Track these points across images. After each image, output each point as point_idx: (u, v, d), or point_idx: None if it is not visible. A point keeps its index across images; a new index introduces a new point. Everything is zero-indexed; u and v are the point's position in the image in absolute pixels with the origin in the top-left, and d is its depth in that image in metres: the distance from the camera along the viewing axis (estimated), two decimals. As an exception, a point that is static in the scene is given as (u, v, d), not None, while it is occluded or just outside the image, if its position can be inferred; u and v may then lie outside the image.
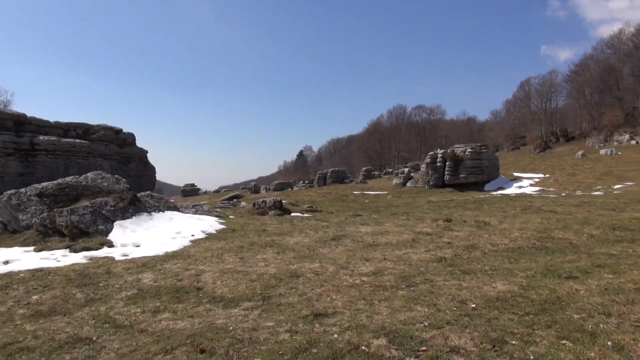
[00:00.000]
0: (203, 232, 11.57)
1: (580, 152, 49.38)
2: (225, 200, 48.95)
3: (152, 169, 52.57)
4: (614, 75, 70.69)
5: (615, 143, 56.39)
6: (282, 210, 16.14)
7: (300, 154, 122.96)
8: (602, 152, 47.47)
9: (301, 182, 67.96)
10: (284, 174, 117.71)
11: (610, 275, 6.26)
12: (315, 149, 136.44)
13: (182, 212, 13.96)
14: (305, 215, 16.35)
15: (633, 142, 53.22)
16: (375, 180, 54.05)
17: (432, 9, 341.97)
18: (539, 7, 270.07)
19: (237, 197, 50.84)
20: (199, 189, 66.80)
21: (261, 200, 16.71)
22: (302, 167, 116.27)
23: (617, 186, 32.46)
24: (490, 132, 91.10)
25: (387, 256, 8.56)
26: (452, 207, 25.20)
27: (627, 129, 60.83)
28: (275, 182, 58.53)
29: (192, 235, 11.16)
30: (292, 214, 16.10)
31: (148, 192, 14.83)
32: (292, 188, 56.87)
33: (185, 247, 10.06)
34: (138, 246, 9.94)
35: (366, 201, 38.88)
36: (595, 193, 29.54)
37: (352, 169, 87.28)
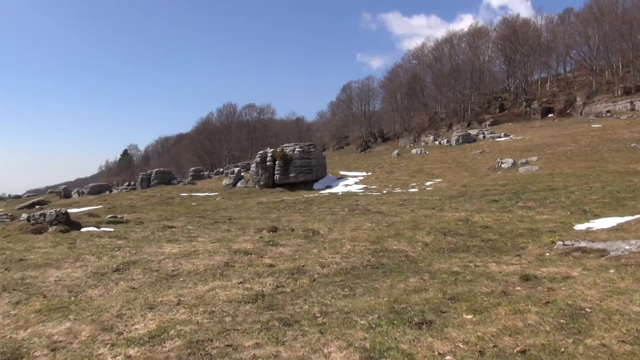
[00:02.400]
0: None
1: (395, 152, 52.64)
2: (23, 207, 40.58)
3: None
4: (419, 83, 78.06)
5: (423, 143, 61.79)
6: (68, 224, 12.32)
7: (125, 153, 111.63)
8: (414, 151, 51.22)
9: (126, 183, 60.71)
10: (107, 175, 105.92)
11: (474, 318, 4.61)
12: (142, 147, 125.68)
13: None
14: (101, 229, 12.78)
15: (436, 142, 58.75)
16: (205, 180, 50.49)
17: (245, 13, 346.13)
18: (353, 19, 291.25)
19: (40, 203, 42.63)
20: (-8, 195, 55.09)
21: (39, 213, 12.60)
22: (127, 167, 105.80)
23: (428, 183, 34.60)
24: (317, 132, 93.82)
25: (183, 297, 5.94)
26: (282, 209, 23.54)
27: (431, 131, 67.34)
28: (90, 184, 50.94)
29: None
30: (83, 229, 12.41)
31: None
32: (110, 191, 50.09)
33: None
34: None
35: (193, 204, 35.37)
36: (412, 190, 30.83)
37: (182, 169, 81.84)
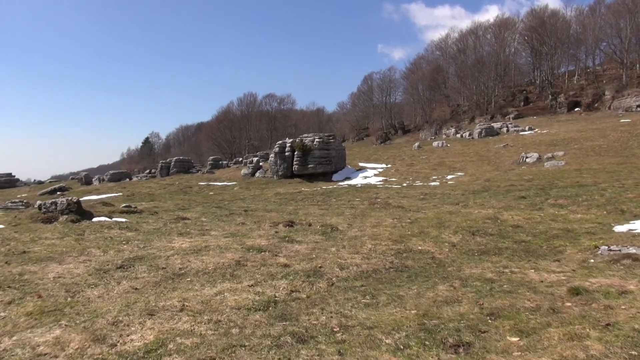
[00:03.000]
0: None
1: (416, 144, 51.52)
2: (44, 193, 40.87)
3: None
4: (442, 75, 76.36)
5: (444, 136, 60.45)
6: (79, 214, 11.89)
7: (146, 141, 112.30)
8: (435, 144, 50.03)
9: (147, 171, 60.90)
10: (128, 162, 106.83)
11: (520, 342, 3.89)
12: (163, 135, 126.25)
13: None
14: (113, 219, 12.33)
15: (458, 135, 57.35)
16: (223, 170, 50.25)
17: (266, 4, 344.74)
18: (375, 9, 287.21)
19: (61, 189, 42.95)
20: (17, 180, 55.83)
21: (50, 201, 12.18)
22: (148, 155, 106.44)
23: (449, 176, 33.59)
24: (337, 123, 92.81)
25: (188, 302, 5.33)
26: (300, 201, 22.95)
27: (453, 124, 65.85)
28: (111, 172, 51.15)
29: None
30: (95, 219, 11.97)
31: None
32: (130, 179, 50.23)
33: None
34: None
35: (211, 193, 35.08)
36: (433, 184, 29.91)
37: (202, 158, 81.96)
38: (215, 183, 42.43)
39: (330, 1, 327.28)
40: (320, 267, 6.93)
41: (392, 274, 6.63)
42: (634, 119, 47.64)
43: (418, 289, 5.75)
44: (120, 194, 38.59)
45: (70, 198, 12.27)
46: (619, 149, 35.69)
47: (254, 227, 11.30)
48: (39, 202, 12.73)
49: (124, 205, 15.69)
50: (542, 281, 5.74)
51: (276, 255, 7.74)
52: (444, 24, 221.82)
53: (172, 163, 50.40)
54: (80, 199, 36.46)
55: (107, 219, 12.45)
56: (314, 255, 7.68)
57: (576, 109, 60.08)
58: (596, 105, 59.54)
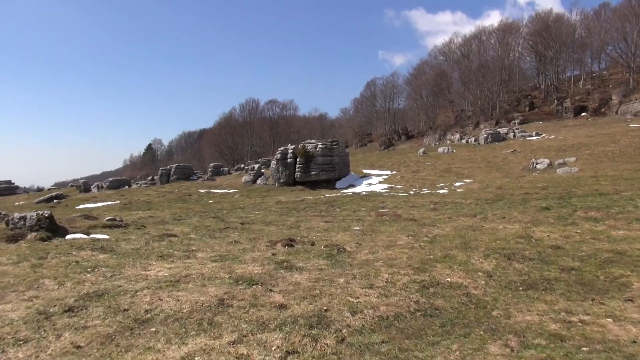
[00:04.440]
0: None
1: (421, 150, 49.90)
2: (41, 201, 39.37)
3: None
4: (445, 80, 74.84)
5: (448, 142, 58.80)
6: (51, 230, 10.29)
7: (149, 148, 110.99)
8: (440, 150, 48.39)
9: (149, 178, 59.39)
10: (131, 169, 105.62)
11: None
12: (166, 142, 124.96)
13: None
14: (91, 236, 10.76)
15: (463, 141, 55.69)
16: (224, 176, 48.71)
17: (268, 10, 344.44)
18: (376, 16, 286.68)
19: (59, 197, 41.50)
20: (16, 187, 54.43)
21: (19, 216, 10.60)
22: (150, 161, 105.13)
23: (457, 184, 31.94)
24: (340, 129, 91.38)
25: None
26: (302, 210, 21.35)
27: (457, 129, 64.22)
28: (110, 179, 49.63)
29: None
30: (69, 236, 10.39)
31: None
32: (129, 186, 48.73)
33: None
34: None
35: (210, 201, 33.51)
36: (441, 191, 28.25)
37: (204, 164, 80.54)
38: (216, 190, 40.86)
39: (332, 8, 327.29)
40: (326, 309, 5.29)
41: (420, 320, 4.99)
42: (644, 124, 45.93)
43: (460, 350, 4.12)
44: (118, 202, 37.03)
45: (41, 212, 10.67)
46: (632, 154, 33.94)
47: (249, 246, 9.68)
48: (7, 218, 11.11)
49: (109, 218, 14.09)
50: (634, 341, 4.11)
51: (270, 290, 6.11)
52: (445, 29, 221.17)
53: (172, 170, 48.93)
54: (77, 207, 34.70)
55: (83, 235, 10.84)
56: (318, 291, 6.05)
57: (583, 114, 58.37)
58: (603, 110, 57.83)
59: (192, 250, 9.26)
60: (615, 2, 68.78)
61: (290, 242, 9.80)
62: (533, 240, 9.01)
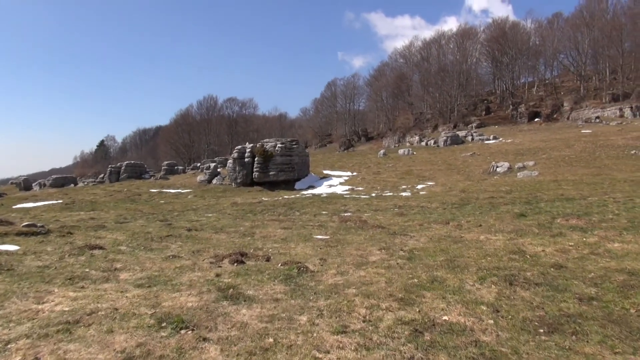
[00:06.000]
0: None
1: (382, 151, 48.91)
2: (-28, 201, 35.38)
3: None
4: (405, 83, 74.55)
5: (408, 144, 58.22)
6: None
7: (101, 144, 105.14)
8: (401, 151, 47.55)
9: (98, 176, 55.42)
10: (81, 166, 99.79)
11: None
12: (120, 139, 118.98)
13: None
14: (-7, 248, 8.54)
15: (423, 143, 55.24)
16: (179, 175, 45.95)
17: (227, 4, 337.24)
18: (336, 17, 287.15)
19: (-7, 195, 37.54)
20: (-53, 185, 49.37)
21: None
22: (103, 159, 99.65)
23: (420, 186, 30.90)
24: (300, 129, 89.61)
25: None
26: (259, 214, 19.48)
27: (417, 132, 63.87)
28: (54, 176, 45.75)
29: None
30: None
31: None
32: (75, 184, 45.12)
33: None
34: None
35: (161, 202, 30.98)
36: (404, 194, 27.03)
37: (159, 163, 76.79)
38: (169, 190, 38.21)
39: (293, 7, 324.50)
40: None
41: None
42: (594, 130, 46.76)
43: None
44: (60, 201, 33.80)
45: None
46: (588, 159, 34.05)
47: (189, 263, 7.77)
48: None
49: (27, 223, 11.74)
50: None
51: (204, 339, 4.27)
52: (404, 33, 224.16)
53: (123, 168, 45.72)
54: (14, 207, 31.10)
55: (-18, 248, 8.58)
56: (272, 340, 4.27)
57: (536, 119, 59.27)
58: (555, 116, 58.94)
59: (115, 269, 7.26)
60: (567, 12, 70.60)
61: (240, 257, 7.96)
62: (528, 257, 7.58)
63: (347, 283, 6.22)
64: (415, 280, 6.23)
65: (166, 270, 7.24)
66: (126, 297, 5.68)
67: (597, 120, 51.68)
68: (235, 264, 7.58)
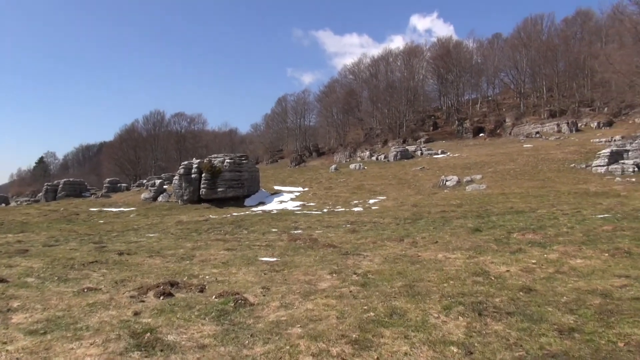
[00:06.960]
0: None
1: (333, 166, 48.38)
2: None
3: None
4: (355, 98, 75.07)
5: (359, 159, 58.19)
6: None
7: (40, 161, 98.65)
8: (352, 166, 47.22)
9: (38, 194, 51.31)
10: (18, 184, 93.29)
11: None
12: (61, 155, 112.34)
13: None
14: None
15: (373, 158, 55.29)
16: (122, 193, 43.29)
17: (173, 16, 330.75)
18: (285, 34, 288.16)
19: None
20: None
21: None
22: (42, 176, 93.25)
23: (371, 200, 30.38)
24: (250, 145, 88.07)
25: None
26: (204, 233, 18.13)
27: (367, 147, 64.09)
28: (-20, 196, 41.95)
29: None
30: None
31: None
32: (7, 204, 41.51)
33: None
34: None
35: (100, 222, 28.69)
36: (356, 209, 26.35)
37: (102, 180, 72.83)
38: (110, 209, 35.69)
39: (242, 21, 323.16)
40: None
41: None
42: (535, 144, 48.49)
43: None
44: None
45: None
46: (532, 172, 34.89)
47: (105, 297, 6.47)
48: None
49: None
50: None
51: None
52: (352, 51, 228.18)
53: (61, 186, 42.53)
54: None
55: None
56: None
57: (481, 135, 60.99)
58: (498, 131, 60.86)
59: (9, 310, 5.86)
60: (506, 33, 73.85)
61: (169, 289, 6.74)
62: (493, 279, 6.84)
63: (291, 320, 5.18)
64: (372, 313, 5.27)
65: (74, 308, 5.92)
66: (6, 351, 4.37)
67: (538, 135, 53.75)
68: (162, 297, 6.36)
